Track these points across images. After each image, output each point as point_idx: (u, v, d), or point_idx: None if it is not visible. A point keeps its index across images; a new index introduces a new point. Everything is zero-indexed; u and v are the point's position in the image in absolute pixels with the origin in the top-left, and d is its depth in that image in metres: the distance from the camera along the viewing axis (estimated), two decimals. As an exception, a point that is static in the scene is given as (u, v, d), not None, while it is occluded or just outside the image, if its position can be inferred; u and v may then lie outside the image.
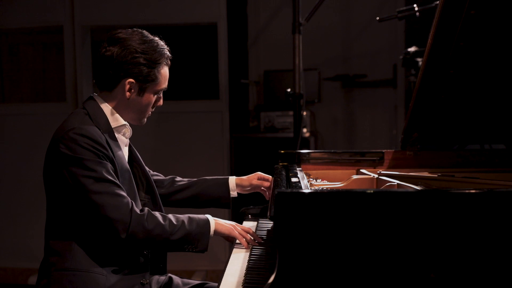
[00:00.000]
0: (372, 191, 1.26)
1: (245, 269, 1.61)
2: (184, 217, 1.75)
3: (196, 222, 1.74)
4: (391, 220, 1.23)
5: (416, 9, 2.99)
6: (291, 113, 3.97)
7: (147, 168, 1.97)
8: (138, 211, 1.67)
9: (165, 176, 2.13)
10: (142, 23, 4.00)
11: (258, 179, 2.10)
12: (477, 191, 1.25)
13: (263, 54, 4.58)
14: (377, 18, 3.12)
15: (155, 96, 1.82)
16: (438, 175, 1.92)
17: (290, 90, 3.11)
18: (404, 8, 3.07)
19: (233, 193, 2.09)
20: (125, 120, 1.82)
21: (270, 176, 2.10)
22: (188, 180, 2.11)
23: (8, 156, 4.23)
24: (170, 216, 1.73)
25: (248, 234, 1.82)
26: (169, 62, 1.85)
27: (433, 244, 1.22)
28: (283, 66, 4.24)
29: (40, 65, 4.49)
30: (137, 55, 1.75)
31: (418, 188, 1.70)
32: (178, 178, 2.12)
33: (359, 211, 1.23)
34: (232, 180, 2.09)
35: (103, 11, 4.12)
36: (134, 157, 1.91)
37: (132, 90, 1.77)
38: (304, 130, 4.02)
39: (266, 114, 4.20)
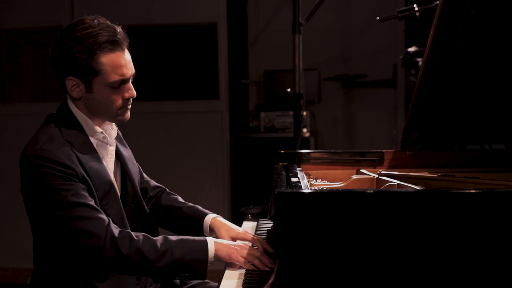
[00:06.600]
0: (372, 191, 1.26)
1: (245, 269, 1.61)
2: (174, 241, 1.54)
3: (189, 247, 1.53)
4: (391, 220, 1.23)
5: (416, 9, 2.99)
6: (291, 113, 3.97)
7: (139, 173, 1.85)
8: (116, 233, 1.50)
9: (157, 183, 1.95)
10: (142, 23, 4.00)
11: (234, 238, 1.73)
12: (477, 191, 1.25)
13: (263, 54, 4.58)
14: (377, 18, 3.11)
15: (114, 89, 1.58)
16: (438, 175, 1.92)
17: (290, 90, 3.10)
18: (404, 8, 3.07)
19: (207, 234, 1.78)
20: (103, 122, 1.66)
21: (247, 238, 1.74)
22: (168, 205, 1.87)
23: (8, 156, 4.22)
24: (158, 239, 1.53)
25: (257, 259, 1.56)
26: (122, 45, 1.58)
27: (433, 244, 1.22)
28: (283, 66, 4.24)
29: (40, 65, 4.48)
30: (68, 47, 1.53)
31: (418, 188, 1.70)
32: (164, 197, 1.90)
33: (359, 211, 1.23)
34: (207, 223, 1.78)
35: (103, 11, 4.08)
36: (121, 163, 1.75)
37: (79, 88, 1.57)
38: (304, 130, 4.02)
39: (266, 114, 4.21)
